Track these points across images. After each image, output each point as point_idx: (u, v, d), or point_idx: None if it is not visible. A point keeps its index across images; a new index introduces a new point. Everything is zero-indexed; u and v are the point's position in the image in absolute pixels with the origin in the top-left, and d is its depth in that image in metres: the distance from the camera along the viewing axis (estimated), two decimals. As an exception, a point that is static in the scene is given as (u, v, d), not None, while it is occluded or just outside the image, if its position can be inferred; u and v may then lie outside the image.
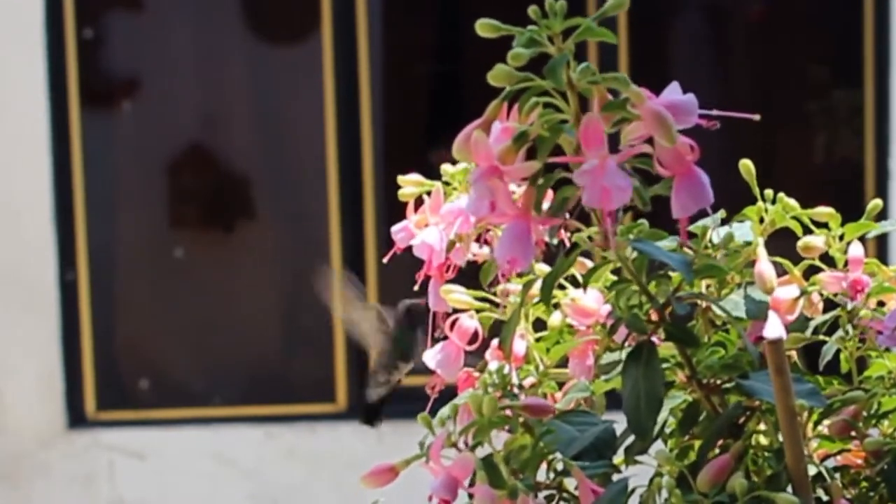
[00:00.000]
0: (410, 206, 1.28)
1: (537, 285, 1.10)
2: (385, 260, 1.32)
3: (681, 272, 1.05)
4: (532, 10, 1.01)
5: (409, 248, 1.27)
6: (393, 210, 1.37)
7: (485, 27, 1.02)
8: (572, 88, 1.01)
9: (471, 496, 1.04)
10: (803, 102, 4.62)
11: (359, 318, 1.58)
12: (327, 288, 1.63)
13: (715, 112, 1.04)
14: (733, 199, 1.23)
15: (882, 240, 4.24)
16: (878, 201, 1.24)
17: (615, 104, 1.00)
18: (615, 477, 1.09)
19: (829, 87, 4.65)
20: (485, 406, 1.04)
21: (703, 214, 1.10)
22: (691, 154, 1.01)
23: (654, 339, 1.11)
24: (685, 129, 1.01)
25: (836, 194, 4.32)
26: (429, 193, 1.27)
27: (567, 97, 1.01)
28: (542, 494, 1.08)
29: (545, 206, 1.04)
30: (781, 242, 1.25)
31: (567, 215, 1.06)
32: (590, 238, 1.04)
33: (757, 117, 1.10)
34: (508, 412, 1.06)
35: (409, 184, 1.28)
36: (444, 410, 1.08)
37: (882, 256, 4.26)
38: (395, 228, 1.28)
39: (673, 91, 1.02)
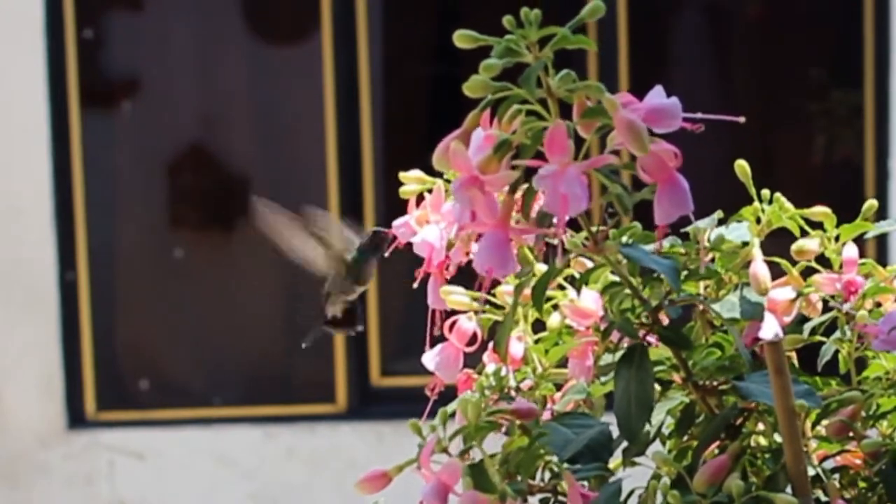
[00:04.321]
0: (412, 202, 1.28)
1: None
2: (386, 254, 1.32)
3: (668, 279, 1.05)
4: (507, 20, 1.01)
5: (410, 245, 1.27)
6: (393, 210, 1.37)
7: (462, 38, 1.03)
8: (552, 96, 1.01)
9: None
10: (803, 103, 4.62)
11: (302, 244, 1.63)
12: (264, 221, 1.68)
13: (699, 115, 1.04)
14: (733, 200, 1.23)
15: (881, 240, 4.24)
16: (874, 201, 1.24)
17: (595, 111, 1.00)
18: (611, 479, 1.09)
19: (829, 87, 4.65)
20: (470, 410, 1.05)
21: (699, 216, 1.10)
22: (674, 161, 1.01)
23: (651, 340, 1.11)
24: (674, 133, 1.01)
25: (835, 194, 4.33)
26: (430, 191, 1.27)
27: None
28: (537, 497, 1.08)
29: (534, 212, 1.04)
30: (780, 242, 1.25)
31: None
32: (584, 244, 1.05)
33: (742, 119, 1.09)
34: (496, 416, 1.07)
35: (411, 181, 1.28)
36: (437, 417, 1.09)
37: (881, 257, 4.26)
38: (396, 223, 1.28)
39: (657, 94, 1.02)
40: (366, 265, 1.57)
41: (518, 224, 1.03)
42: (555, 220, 1.02)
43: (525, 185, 1.02)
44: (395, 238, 1.29)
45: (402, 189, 1.28)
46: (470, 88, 1.01)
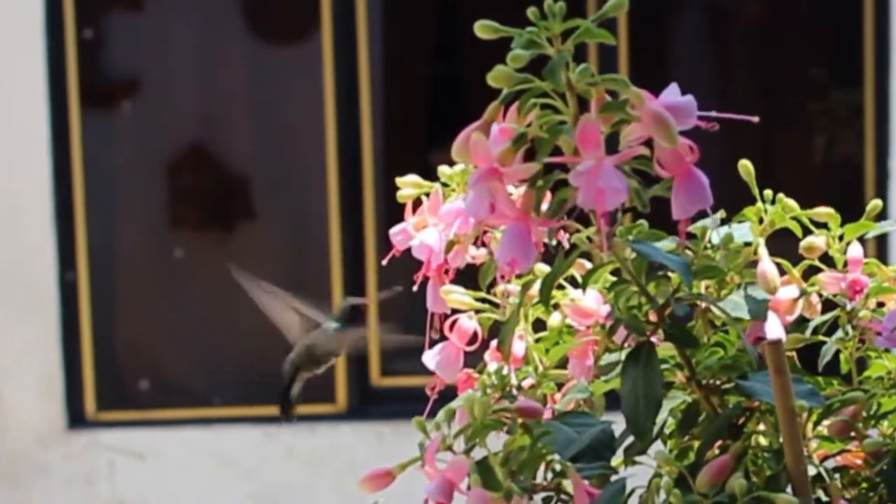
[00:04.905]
0: (409, 208, 1.28)
1: (537, 286, 1.10)
2: (384, 262, 1.32)
3: (679, 274, 1.05)
4: (531, 12, 1.01)
5: (409, 250, 1.27)
6: (393, 210, 1.37)
7: (484, 29, 1.03)
8: (571, 90, 1.01)
9: (470, 498, 1.04)
10: (803, 103, 4.62)
11: (279, 312, 1.62)
12: (248, 287, 1.67)
13: (714, 113, 1.04)
14: (735, 200, 1.23)
15: (882, 240, 4.24)
16: (878, 201, 1.24)
17: (614, 105, 1.00)
18: (613, 478, 1.09)
19: (829, 87, 4.65)
20: (476, 408, 1.05)
21: (704, 214, 1.10)
22: (691, 155, 1.01)
23: (653, 338, 1.10)
24: (684, 131, 1.01)
25: (836, 194, 4.32)
26: (427, 195, 1.26)
27: (566, 98, 1.01)
28: (540, 496, 1.08)
29: (544, 207, 1.04)
30: (780, 242, 1.25)
31: (566, 215, 1.06)
32: (589, 239, 1.04)
33: (756, 119, 1.09)
34: (501, 414, 1.07)
35: (408, 185, 1.28)
36: (440, 414, 1.08)
37: (882, 256, 4.26)
38: (393, 230, 1.28)
39: (672, 92, 1.02)
40: (345, 335, 1.55)
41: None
42: (564, 216, 1.02)
43: (540, 180, 1.02)
44: (392, 247, 1.29)
45: (398, 194, 1.28)
46: (494, 78, 1.01)
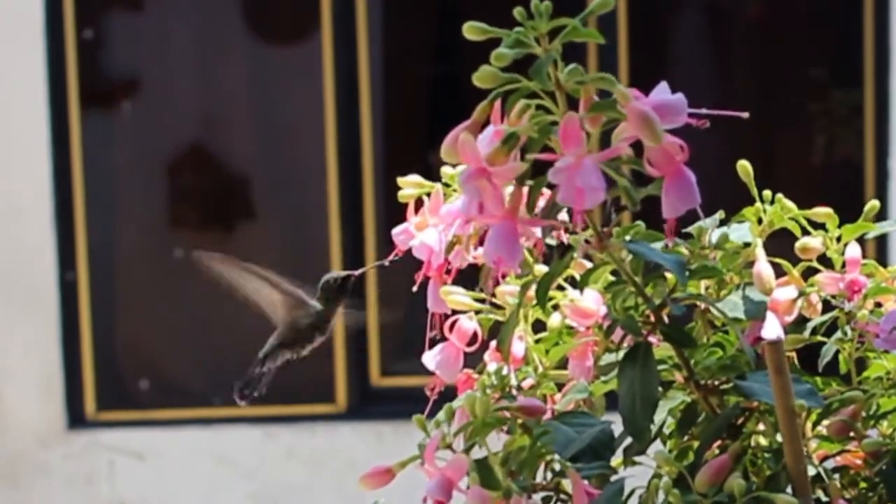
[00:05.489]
0: (411, 208, 1.28)
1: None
2: (386, 262, 1.32)
3: (675, 273, 1.05)
4: (517, 12, 1.01)
5: (410, 250, 1.27)
6: (393, 210, 1.37)
7: (472, 30, 1.03)
8: (560, 89, 1.01)
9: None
10: (803, 102, 4.62)
11: (259, 290, 1.59)
12: (212, 268, 1.63)
13: (704, 111, 1.04)
14: (734, 200, 1.23)
15: (882, 240, 4.24)
16: (876, 202, 1.24)
17: (602, 104, 1.00)
18: (613, 478, 1.09)
19: (829, 87, 4.65)
20: (478, 407, 1.05)
21: (699, 214, 1.10)
22: (680, 154, 1.00)
23: (652, 339, 1.10)
24: (680, 129, 1.01)
25: (835, 194, 4.33)
26: (428, 195, 1.26)
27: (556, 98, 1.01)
28: (539, 495, 1.08)
29: (540, 205, 1.04)
30: (781, 243, 1.25)
31: (567, 215, 1.06)
32: (586, 241, 1.05)
33: (746, 115, 1.09)
34: (502, 413, 1.07)
35: (409, 185, 1.28)
36: (441, 413, 1.08)
37: (882, 257, 4.26)
38: (395, 231, 1.28)
39: (662, 90, 1.02)
40: (333, 312, 1.52)
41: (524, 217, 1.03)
42: (563, 214, 1.02)
43: (532, 180, 1.02)
44: (393, 246, 1.29)
45: (400, 193, 1.28)
46: (480, 79, 1.01)
